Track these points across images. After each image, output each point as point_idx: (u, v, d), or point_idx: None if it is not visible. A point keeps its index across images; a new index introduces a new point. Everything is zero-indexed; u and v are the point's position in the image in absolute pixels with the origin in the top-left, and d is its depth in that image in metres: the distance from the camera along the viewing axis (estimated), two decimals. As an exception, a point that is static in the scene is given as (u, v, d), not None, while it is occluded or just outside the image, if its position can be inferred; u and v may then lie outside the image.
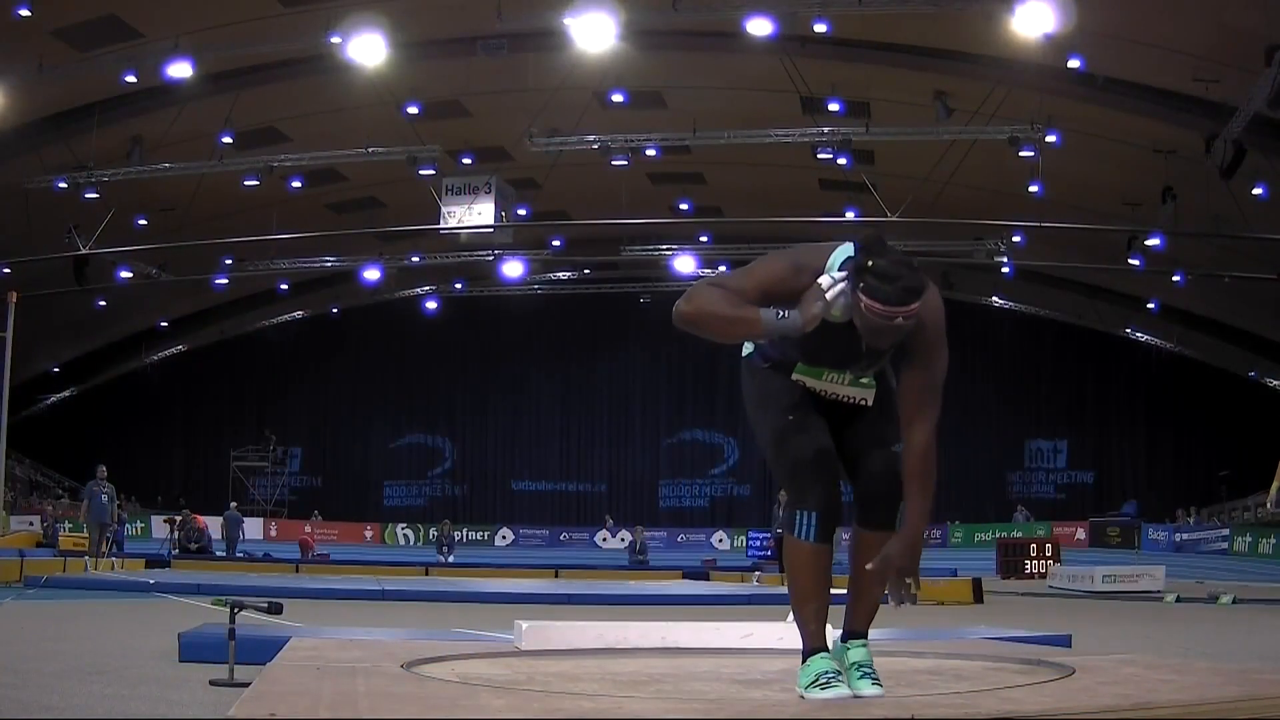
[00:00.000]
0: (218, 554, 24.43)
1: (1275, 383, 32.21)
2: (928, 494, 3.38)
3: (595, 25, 16.58)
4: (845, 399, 3.54)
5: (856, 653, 3.44)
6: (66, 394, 37.68)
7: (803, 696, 3.32)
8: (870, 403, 3.54)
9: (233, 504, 28.78)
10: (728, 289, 3.34)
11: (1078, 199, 23.78)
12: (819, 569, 3.43)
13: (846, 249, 3.37)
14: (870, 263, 3.19)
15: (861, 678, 3.36)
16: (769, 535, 23.40)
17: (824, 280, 3.30)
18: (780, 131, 21.62)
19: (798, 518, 3.42)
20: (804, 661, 3.40)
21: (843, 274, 3.29)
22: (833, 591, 3.50)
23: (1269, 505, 11.43)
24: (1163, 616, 11.57)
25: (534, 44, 19.88)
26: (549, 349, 37.56)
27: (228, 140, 22.58)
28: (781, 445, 3.48)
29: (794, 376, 3.52)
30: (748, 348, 3.67)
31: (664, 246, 28.82)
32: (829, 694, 3.27)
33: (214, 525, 26.39)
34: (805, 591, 3.45)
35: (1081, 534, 29.27)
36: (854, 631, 3.49)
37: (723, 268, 31.83)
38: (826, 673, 3.32)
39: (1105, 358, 34.25)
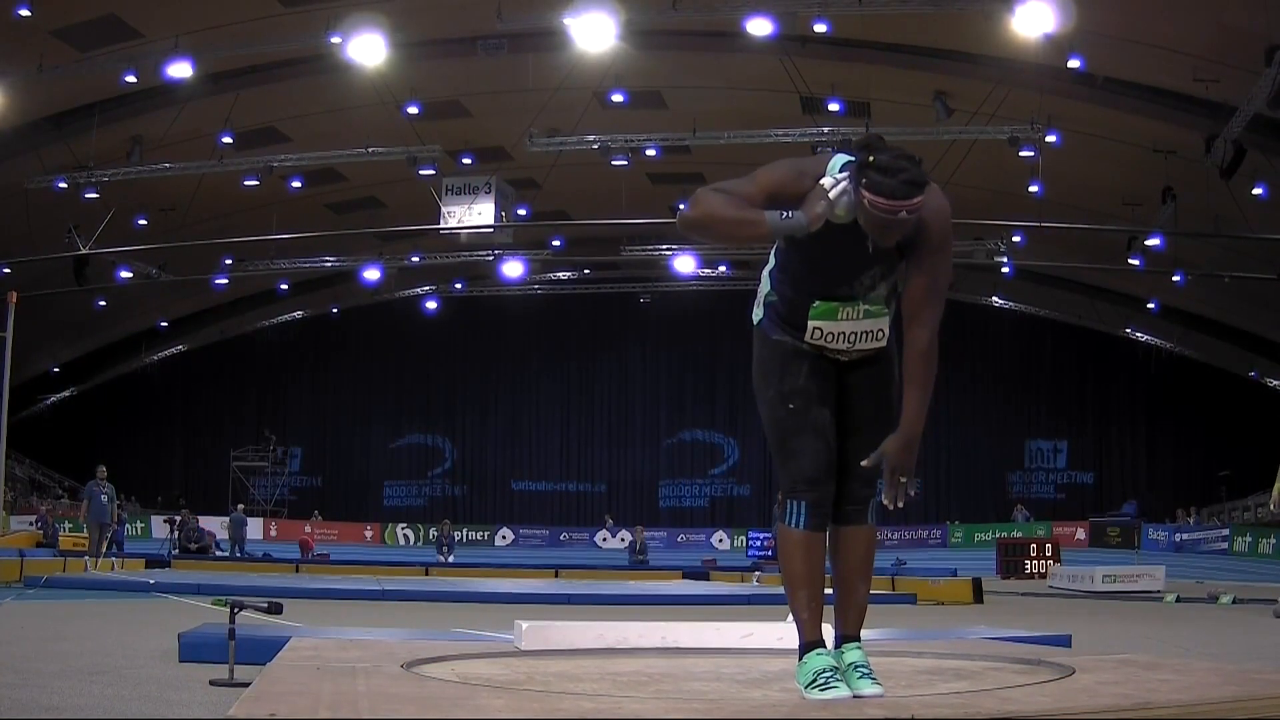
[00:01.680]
0: (222, 554, 24.48)
1: (1275, 383, 32.21)
2: (926, 393, 3.38)
3: (595, 25, 16.58)
4: (862, 338, 3.47)
5: (852, 654, 3.43)
6: (66, 394, 37.65)
7: (804, 696, 3.32)
8: (885, 336, 3.51)
9: (239, 506, 28.83)
10: (732, 193, 3.35)
11: (1078, 199, 23.77)
12: (809, 557, 3.44)
13: (844, 156, 3.38)
14: (872, 158, 3.20)
15: (861, 678, 3.34)
16: (769, 535, 23.41)
17: (826, 181, 3.32)
18: (780, 131, 21.58)
19: (789, 506, 3.46)
20: (801, 658, 3.39)
21: (844, 174, 3.30)
22: (825, 591, 3.50)
23: (1271, 507, 11.40)
24: (1163, 616, 11.55)
25: (534, 44, 19.89)
26: (549, 349, 37.53)
27: (228, 140, 22.59)
28: (779, 431, 3.49)
29: (811, 325, 3.45)
30: (759, 313, 3.62)
31: (664, 246, 28.80)
32: (829, 694, 3.25)
33: (214, 524, 26.42)
34: (796, 578, 3.45)
35: (1081, 534, 29.25)
36: (846, 635, 3.49)
37: (723, 268, 31.88)
38: (824, 671, 3.31)
39: (1105, 358, 34.25)
